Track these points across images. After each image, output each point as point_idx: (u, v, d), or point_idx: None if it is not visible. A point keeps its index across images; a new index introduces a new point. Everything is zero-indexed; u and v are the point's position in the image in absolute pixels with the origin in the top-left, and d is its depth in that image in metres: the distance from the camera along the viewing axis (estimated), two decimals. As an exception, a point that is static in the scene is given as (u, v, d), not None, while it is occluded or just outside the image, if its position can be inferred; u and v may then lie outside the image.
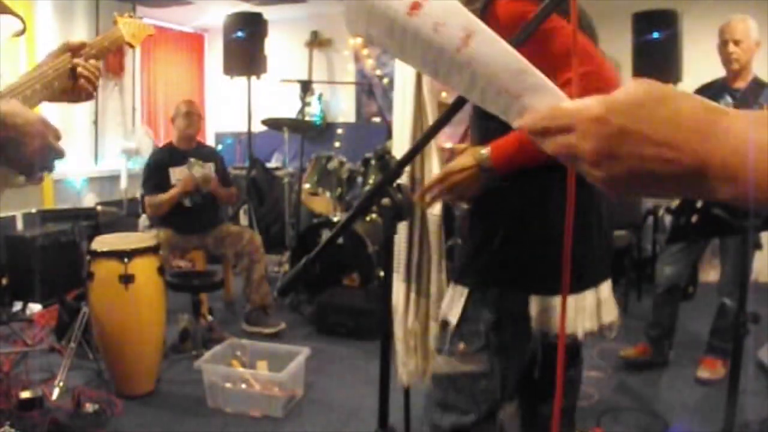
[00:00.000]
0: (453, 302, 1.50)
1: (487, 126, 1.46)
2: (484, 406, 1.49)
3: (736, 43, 2.95)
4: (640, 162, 0.52)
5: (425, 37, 0.66)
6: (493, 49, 0.64)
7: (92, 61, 1.14)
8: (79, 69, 1.10)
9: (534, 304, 1.41)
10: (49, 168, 0.94)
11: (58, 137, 0.93)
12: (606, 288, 1.50)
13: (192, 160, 3.85)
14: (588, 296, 1.44)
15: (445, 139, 1.72)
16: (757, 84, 3.00)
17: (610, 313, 1.50)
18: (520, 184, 1.40)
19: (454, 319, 1.48)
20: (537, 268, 1.40)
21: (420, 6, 0.66)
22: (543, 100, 0.62)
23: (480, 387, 1.46)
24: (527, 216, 1.42)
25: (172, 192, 3.81)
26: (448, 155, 1.65)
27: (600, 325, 1.47)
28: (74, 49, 1.12)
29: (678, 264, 3.23)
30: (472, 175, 1.40)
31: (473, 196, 1.47)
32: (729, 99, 3.01)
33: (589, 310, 1.44)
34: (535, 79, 0.63)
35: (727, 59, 3.00)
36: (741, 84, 3.02)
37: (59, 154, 0.93)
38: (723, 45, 3.01)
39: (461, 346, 1.46)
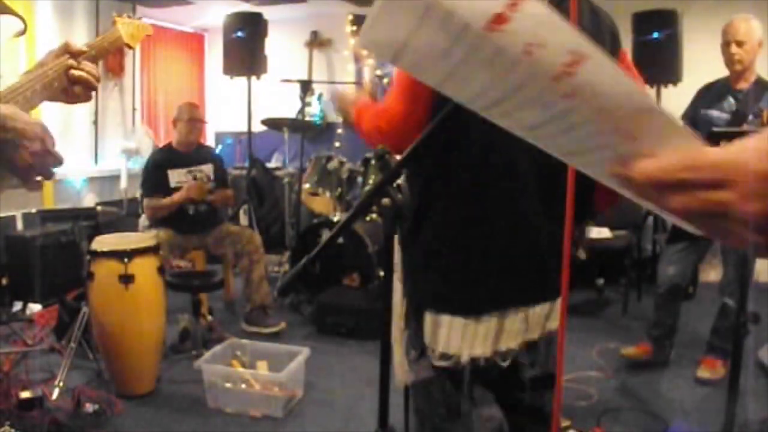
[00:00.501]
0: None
1: None
2: (442, 410, 1.50)
3: (739, 44, 2.92)
4: None
5: (508, 60, 0.49)
6: (607, 78, 0.50)
7: (89, 64, 1.13)
8: (72, 71, 1.10)
9: (427, 320, 1.41)
10: (48, 175, 0.93)
11: (53, 143, 0.92)
12: (515, 318, 1.41)
13: (196, 167, 3.87)
14: (484, 321, 1.37)
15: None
16: (759, 85, 2.99)
17: (511, 340, 1.42)
18: (412, 197, 1.38)
19: (402, 324, 1.50)
20: (428, 284, 1.41)
21: (507, 19, 0.47)
22: (671, 145, 0.50)
23: (433, 392, 1.48)
24: (418, 230, 1.42)
25: (176, 198, 3.80)
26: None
27: (495, 351, 1.40)
28: (73, 53, 1.12)
29: (680, 264, 3.22)
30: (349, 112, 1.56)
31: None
32: (732, 100, 3.01)
33: (483, 335, 1.38)
34: (662, 118, 0.51)
35: (729, 60, 2.97)
36: (744, 85, 3.00)
37: (58, 161, 0.93)
38: (726, 46, 2.98)
39: (413, 353, 1.48)
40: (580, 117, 0.52)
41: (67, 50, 1.12)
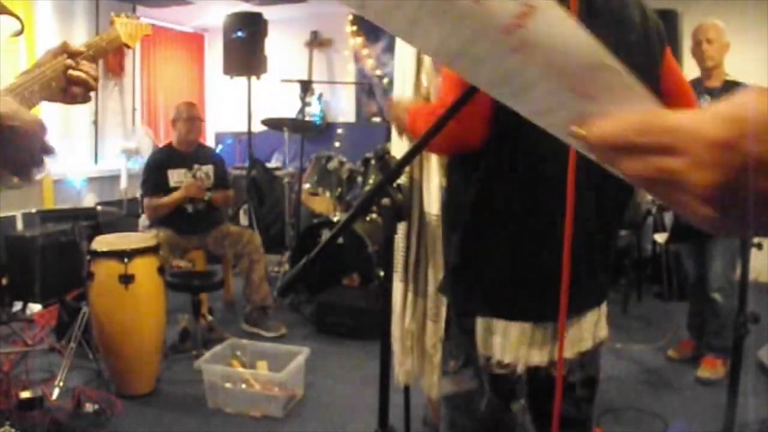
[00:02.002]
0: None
1: None
2: (490, 424, 1.42)
3: (709, 41, 3.15)
4: None
5: (457, 8, 0.48)
6: (560, 32, 0.47)
7: (87, 63, 1.13)
8: (71, 72, 1.10)
9: (479, 327, 1.34)
10: (41, 165, 0.93)
11: (45, 134, 0.92)
12: (581, 322, 1.36)
13: (198, 166, 3.89)
14: (540, 328, 1.32)
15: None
16: (731, 83, 3.13)
17: (569, 349, 1.35)
18: (471, 198, 1.34)
19: (440, 332, 1.46)
20: (483, 288, 1.34)
21: None
22: (627, 105, 0.47)
23: (477, 405, 1.40)
24: (476, 232, 1.35)
25: (174, 196, 3.81)
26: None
27: (551, 360, 1.33)
28: (71, 53, 1.12)
29: (695, 261, 3.32)
30: (401, 117, 1.48)
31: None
32: (707, 97, 3.10)
33: (540, 343, 1.32)
34: (619, 77, 0.48)
35: (701, 57, 3.18)
36: (716, 83, 3.16)
37: (49, 151, 0.93)
38: (697, 45, 3.20)
39: (452, 363, 1.43)
40: (530, 74, 0.49)
41: (65, 50, 1.11)
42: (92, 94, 1.15)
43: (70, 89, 1.10)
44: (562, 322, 1.17)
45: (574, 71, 0.48)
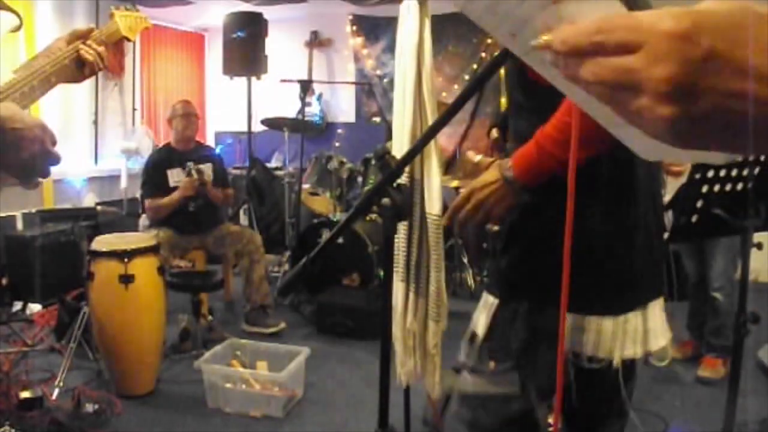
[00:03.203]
0: (481, 313, 1.41)
1: (518, 126, 1.37)
2: (519, 426, 1.39)
3: None
4: (731, 100, 0.39)
5: None
6: None
7: (94, 45, 1.14)
8: (82, 52, 1.11)
9: (566, 323, 1.31)
10: (45, 173, 0.92)
11: (54, 142, 0.91)
12: (656, 309, 1.38)
13: (191, 164, 3.87)
14: (631, 319, 1.33)
15: (474, 154, 1.63)
16: None
17: (660, 338, 1.38)
18: (558, 195, 1.31)
19: (481, 331, 1.40)
20: (572, 284, 1.26)
21: None
22: (591, 8, 0.45)
23: (512, 410, 1.37)
24: (563, 228, 1.31)
25: (174, 197, 3.81)
26: (473, 169, 1.53)
27: (646, 351, 1.35)
28: (83, 36, 1.13)
29: (698, 258, 3.32)
30: (498, 190, 1.26)
31: (503, 214, 1.31)
32: None
33: (632, 334, 1.33)
34: None
35: None
36: None
37: (56, 159, 0.92)
38: None
39: (491, 364, 1.37)
40: None
41: (76, 37, 1.13)
42: (92, 93, 1.16)
43: (82, 73, 1.13)
44: (563, 320, 1.17)
45: None
